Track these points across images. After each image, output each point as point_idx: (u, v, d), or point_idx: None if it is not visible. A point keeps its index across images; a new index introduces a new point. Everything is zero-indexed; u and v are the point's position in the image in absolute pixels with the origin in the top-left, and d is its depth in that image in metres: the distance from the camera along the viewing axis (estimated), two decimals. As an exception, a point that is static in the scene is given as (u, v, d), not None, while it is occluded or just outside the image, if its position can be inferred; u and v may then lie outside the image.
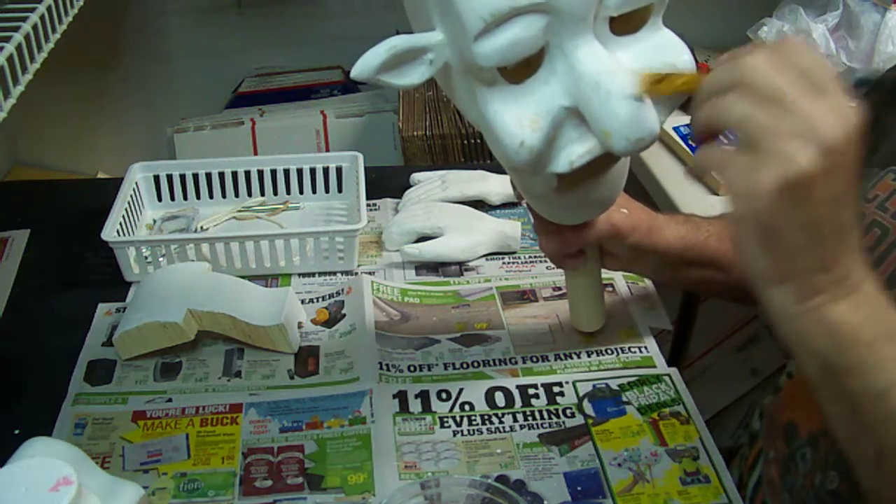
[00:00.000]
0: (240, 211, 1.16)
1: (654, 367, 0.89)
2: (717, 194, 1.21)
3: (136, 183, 1.12)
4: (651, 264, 0.86)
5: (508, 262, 1.06)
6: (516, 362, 0.89)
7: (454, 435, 0.80)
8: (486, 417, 0.82)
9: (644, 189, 1.32)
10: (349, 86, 1.72)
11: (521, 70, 0.60)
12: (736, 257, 0.55)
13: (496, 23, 0.56)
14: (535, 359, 0.90)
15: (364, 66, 0.58)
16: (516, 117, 0.60)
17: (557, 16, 0.57)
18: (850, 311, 0.52)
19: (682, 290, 1.40)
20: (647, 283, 1.02)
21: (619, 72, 0.59)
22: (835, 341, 0.53)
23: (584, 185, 0.68)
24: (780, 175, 0.49)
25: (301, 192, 1.18)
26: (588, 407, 0.83)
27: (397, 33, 0.60)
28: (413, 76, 0.60)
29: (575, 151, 0.62)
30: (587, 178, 0.67)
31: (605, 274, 1.01)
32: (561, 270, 0.89)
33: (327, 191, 1.18)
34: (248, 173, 1.17)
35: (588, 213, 0.76)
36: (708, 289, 0.92)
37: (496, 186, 1.15)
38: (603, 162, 0.64)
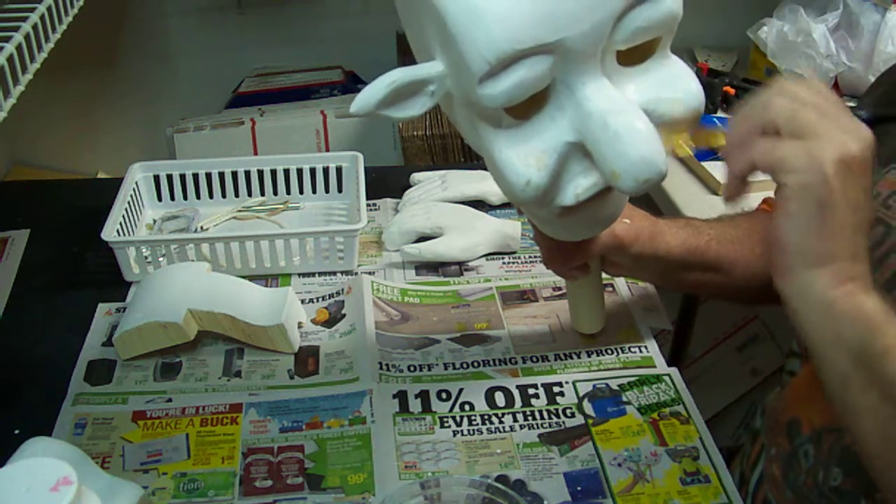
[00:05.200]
0: (240, 211, 1.16)
1: (654, 367, 0.89)
2: (716, 194, 1.21)
3: (136, 183, 1.12)
4: (653, 271, 0.86)
5: (508, 262, 1.06)
6: (516, 362, 0.89)
7: (454, 435, 0.80)
8: (486, 417, 0.82)
9: (651, 199, 1.32)
10: (349, 86, 1.72)
11: (526, 106, 0.59)
12: (772, 242, 0.59)
13: (501, 65, 0.55)
14: (535, 359, 0.90)
15: (364, 102, 0.58)
16: (522, 156, 0.60)
17: (564, 55, 0.56)
18: (877, 302, 0.57)
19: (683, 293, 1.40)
20: (648, 283, 1.02)
21: (628, 110, 0.58)
22: (869, 325, 0.56)
23: (587, 208, 0.66)
24: (838, 152, 0.55)
25: (301, 192, 1.18)
26: (588, 407, 0.83)
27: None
28: (414, 108, 0.60)
29: (581, 185, 0.62)
30: (591, 204, 0.66)
31: (605, 273, 1.01)
32: (561, 270, 0.89)
33: (327, 191, 1.18)
34: (248, 173, 1.17)
35: (592, 230, 0.75)
36: (709, 291, 0.93)
37: (496, 186, 1.14)
38: (608, 190, 0.64)
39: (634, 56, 0.60)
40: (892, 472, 0.56)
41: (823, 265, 0.57)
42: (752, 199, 0.99)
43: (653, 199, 1.29)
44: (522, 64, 0.55)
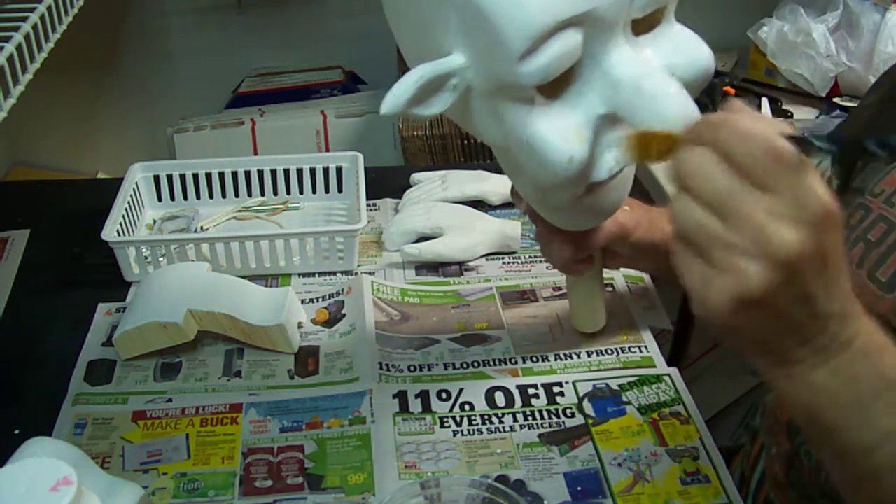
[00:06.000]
0: (240, 211, 1.16)
1: (654, 367, 0.89)
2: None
3: (136, 183, 1.12)
4: (652, 260, 0.86)
5: (508, 262, 1.06)
6: (516, 362, 0.89)
7: (454, 435, 0.80)
8: (486, 417, 0.82)
9: (644, 188, 1.32)
10: (349, 86, 1.73)
11: (553, 85, 0.59)
12: None
13: (541, 40, 0.55)
14: (535, 359, 0.90)
15: (394, 102, 0.57)
16: (561, 133, 0.59)
17: (592, 25, 0.56)
18: (829, 376, 0.51)
19: (683, 290, 1.40)
20: (648, 283, 1.02)
21: (656, 72, 0.58)
22: (816, 403, 0.52)
23: (600, 190, 0.67)
24: (732, 293, 0.47)
25: (301, 192, 1.18)
26: (588, 407, 0.83)
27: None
28: (438, 105, 0.60)
29: (613, 157, 0.62)
30: (605, 185, 0.66)
31: (606, 273, 1.01)
32: (561, 270, 0.89)
33: (327, 191, 1.18)
34: (248, 173, 1.17)
35: (600, 217, 0.75)
36: None
37: (496, 186, 1.15)
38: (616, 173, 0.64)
39: (644, 25, 0.61)
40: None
41: (758, 356, 0.53)
42: None
43: (651, 199, 1.29)
44: (558, 37, 0.55)
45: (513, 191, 0.79)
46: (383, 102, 0.58)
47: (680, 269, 0.50)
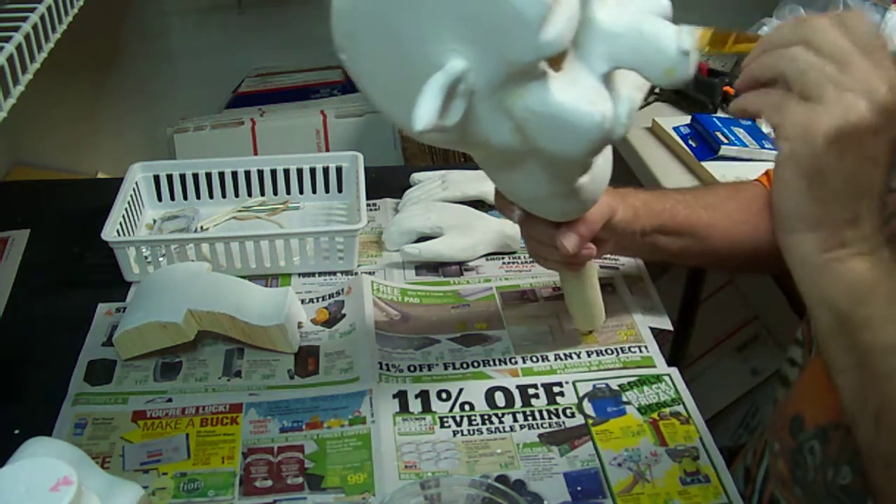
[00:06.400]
0: (240, 211, 1.16)
1: (654, 367, 0.89)
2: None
3: (136, 183, 1.12)
4: (632, 240, 0.87)
5: (508, 262, 1.06)
6: (516, 362, 0.89)
7: (454, 435, 0.80)
8: (486, 417, 0.82)
9: (642, 186, 1.32)
10: (349, 86, 1.73)
11: (555, 59, 0.60)
12: (772, 200, 0.58)
13: (555, 3, 0.56)
14: (535, 359, 0.90)
15: (426, 113, 0.57)
16: (584, 96, 0.60)
17: None
18: (871, 268, 0.55)
19: (682, 289, 1.40)
20: (647, 283, 1.03)
21: (644, 16, 0.60)
22: (852, 293, 0.55)
23: (596, 166, 0.71)
24: (838, 122, 0.52)
25: (301, 192, 1.18)
26: (588, 407, 0.83)
27: None
28: (456, 113, 0.60)
29: (624, 112, 0.63)
30: (597, 164, 0.71)
31: (606, 273, 1.01)
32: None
33: (327, 191, 1.18)
34: (248, 173, 1.17)
35: (595, 195, 0.77)
36: (690, 259, 0.93)
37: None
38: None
39: None
40: (861, 429, 0.58)
41: (811, 230, 0.56)
42: (752, 172, 1.00)
43: (641, 183, 1.29)
44: (561, 2, 0.56)
45: (500, 200, 0.80)
46: (416, 119, 0.57)
47: (776, 107, 0.55)
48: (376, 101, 0.66)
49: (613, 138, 0.64)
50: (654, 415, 0.82)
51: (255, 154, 1.59)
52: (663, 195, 0.89)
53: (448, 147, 0.74)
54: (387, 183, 1.21)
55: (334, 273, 1.04)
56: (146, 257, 1.01)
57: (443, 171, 1.19)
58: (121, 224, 1.03)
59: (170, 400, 0.84)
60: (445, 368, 0.89)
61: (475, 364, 0.89)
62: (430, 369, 0.88)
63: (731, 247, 0.88)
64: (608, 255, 1.06)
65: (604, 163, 0.74)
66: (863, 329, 0.55)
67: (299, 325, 0.94)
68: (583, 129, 0.61)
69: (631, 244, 0.87)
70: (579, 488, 0.75)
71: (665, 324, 0.97)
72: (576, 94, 0.60)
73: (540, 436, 0.80)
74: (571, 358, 0.90)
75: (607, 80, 0.62)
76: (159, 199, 1.16)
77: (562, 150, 0.63)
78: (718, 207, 0.88)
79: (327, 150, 1.62)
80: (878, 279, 0.55)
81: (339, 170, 1.17)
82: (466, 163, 1.50)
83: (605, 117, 0.61)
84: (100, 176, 1.63)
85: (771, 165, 0.86)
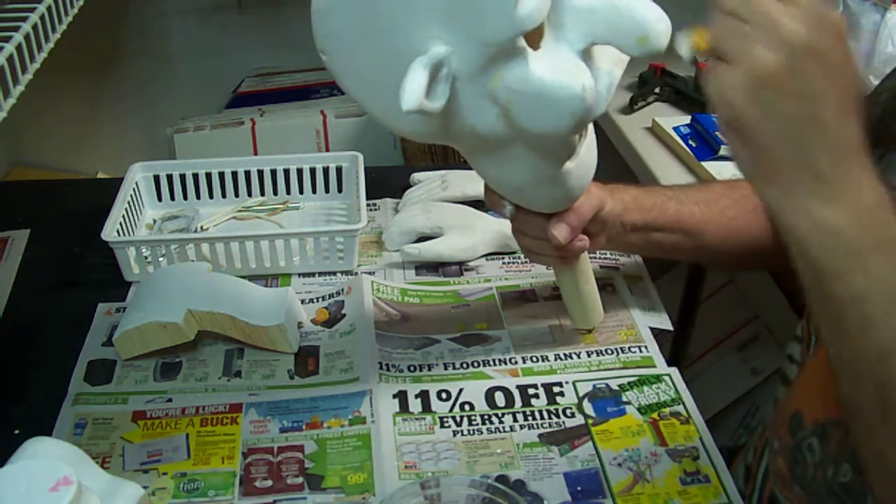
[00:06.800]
0: (240, 211, 1.16)
1: (654, 367, 0.89)
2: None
3: (136, 183, 1.12)
4: (621, 233, 0.87)
5: (508, 262, 1.06)
6: (516, 362, 0.89)
7: (454, 435, 0.80)
8: (486, 417, 0.82)
9: (633, 173, 1.33)
10: (349, 86, 1.72)
11: (531, 38, 0.61)
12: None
13: None
14: (535, 359, 0.90)
15: (412, 94, 0.58)
16: (565, 69, 0.61)
17: None
18: (837, 215, 0.53)
19: (682, 289, 1.40)
20: (647, 282, 1.03)
21: None
22: (821, 243, 0.54)
23: (582, 149, 0.72)
24: (744, 76, 0.52)
25: (301, 192, 1.18)
26: (588, 407, 0.83)
27: None
28: (441, 96, 0.61)
29: (604, 87, 0.64)
30: (585, 150, 0.73)
31: (606, 273, 1.01)
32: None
33: (327, 191, 1.18)
34: (248, 173, 1.17)
35: (584, 181, 0.77)
36: (683, 255, 0.94)
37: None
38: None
39: None
40: (841, 380, 0.57)
41: (769, 184, 0.55)
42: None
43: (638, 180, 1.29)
44: None
45: (490, 196, 0.80)
46: (403, 101, 0.58)
47: (704, 79, 0.55)
48: (360, 99, 0.67)
49: (596, 113, 0.65)
50: (654, 415, 0.82)
51: (255, 154, 1.59)
52: (654, 191, 0.89)
53: (435, 141, 0.74)
54: (387, 183, 1.21)
55: (334, 273, 1.04)
56: (146, 257, 1.01)
57: (443, 171, 1.19)
58: (121, 224, 1.03)
59: (170, 400, 0.84)
60: (445, 368, 0.89)
61: (475, 364, 0.89)
62: (430, 369, 0.88)
63: (724, 243, 0.88)
64: (608, 255, 1.06)
65: (588, 151, 0.75)
66: (831, 280, 0.54)
67: (299, 325, 0.94)
68: (564, 102, 0.62)
69: (622, 239, 0.88)
70: (579, 488, 0.75)
71: (665, 324, 0.97)
72: (556, 68, 0.61)
73: (540, 436, 0.80)
74: (571, 358, 0.90)
75: (585, 56, 0.63)
76: (159, 199, 1.16)
77: (545, 127, 0.64)
78: (711, 204, 0.88)
79: (327, 150, 1.62)
80: (846, 227, 0.53)
81: (339, 170, 1.17)
82: (466, 163, 1.50)
83: (585, 88, 0.62)
84: (100, 176, 1.62)
85: None
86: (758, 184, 0.56)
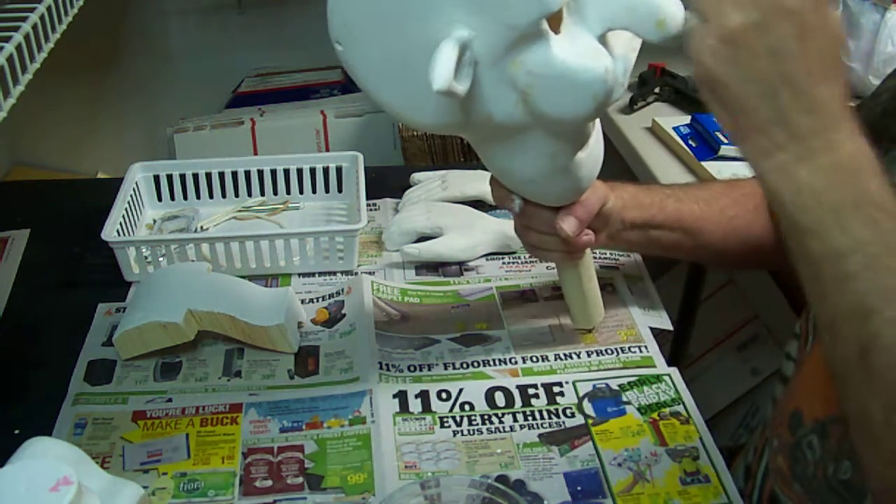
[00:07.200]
0: (240, 211, 1.16)
1: (654, 367, 0.89)
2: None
3: (136, 183, 1.13)
4: (621, 230, 0.87)
5: (508, 262, 1.06)
6: (516, 362, 0.89)
7: (454, 435, 0.80)
8: (486, 417, 0.82)
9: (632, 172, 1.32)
10: (349, 86, 1.72)
11: (552, 22, 0.62)
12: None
13: None
14: (535, 359, 0.90)
15: (442, 73, 0.58)
16: (587, 52, 0.62)
17: None
18: (814, 173, 0.54)
19: (682, 289, 1.40)
20: (647, 282, 1.03)
21: None
22: (798, 201, 0.55)
23: (591, 141, 0.73)
24: (715, 34, 0.54)
25: (301, 192, 1.18)
26: (588, 407, 0.83)
27: None
28: (467, 78, 0.61)
29: (621, 71, 0.65)
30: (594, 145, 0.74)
31: (606, 273, 1.01)
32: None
33: (327, 191, 1.18)
34: (248, 173, 1.17)
35: (592, 173, 0.78)
36: (683, 253, 0.94)
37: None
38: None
39: None
40: (824, 341, 0.57)
41: (745, 140, 0.56)
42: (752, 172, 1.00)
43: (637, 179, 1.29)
44: None
45: (498, 191, 0.80)
46: (434, 79, 0.58)
47: (687, 42, 0.56)
48: (375, 91, 0.66)
49: (614, 97, 0.65)
50: (654, 415, 0.82)
51: (255, 154, 1.59)
52: (653, 189, 0.90)
53: (453, 132, 0.74)
54: (387, 183, 1.21)
55: (334, 273, 1.04)
56: (146, 257, 1.01)
57: (443, 171, 1.19)
58: (121, 224, 1.03)
59: (170, 400, 0.84)
60: (445, 368, 0.89)
61: (475, 364, 0.89)
62: (430, 369, 0.88)
63: (724, 241, 0.88)
64: (608, 255, 1.06)
65: (597, 142, 0.75)
66: (810, 237, 0.55)
67: (299, 325, 0.94)
68: (587, 84, 0.62)
69: (622, 237, 0.88)
70: (579, 488, 0.75)
71: (665, 323, 0.97)
72: (578, 51, 0.62)
73: (540, 436, 0.80)
74: (571, 358, 0.90)
75: (601, 42, 0.63)
76: (159, 199, 1.16)
77: (566, 111, 0.64)
78: (711, 202, 0.88)
79: (327, 150, 1.62)
80: (824, 185, 0.54)
81: (339, 170, 1.17)
82: (466, 163, 1.50)
83: (608, 70, 0.62)
84: (100, 176, 1.63)
85: None
86: (737, 144, 0.57)
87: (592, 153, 0.75)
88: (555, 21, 0.62)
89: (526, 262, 1.06)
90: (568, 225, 0.80)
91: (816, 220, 0.54)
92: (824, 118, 0.55)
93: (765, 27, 0.53)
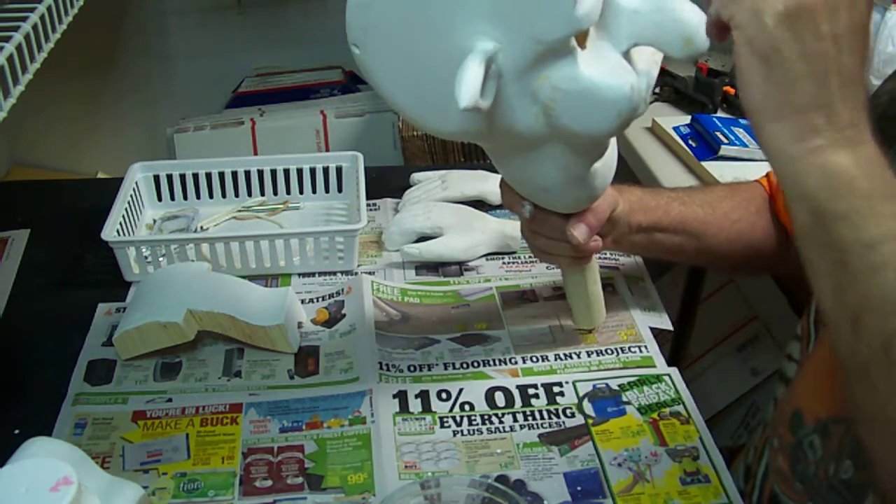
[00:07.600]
0: (240, 211, 1.16)
1: (654, 367, 0.89)
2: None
3: (136, 183, 1.13)
4: (626, 234, 0.87)
5: (508, 262, 1.06)
6: (516, 362, 0.89)
7: (454, 435, 0.80)
8: (486, 417, 0.82)
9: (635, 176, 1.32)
10: (349, 86, 1.72)
11: (580, 38, 0.62)
12: (741, 94, 0.57)
13: None
14: (535, 359, 0.90)
15: (471, 92, 0.57)
16: (612, 69, 0.62)
17: None
18: (849, 161, 0.53)
19: (682, 289, 1.40)
20: (648, 282, 1.03)
21: None
22: (830, 186, 0.54)
23: (607, 152, 0.73)
24: (783, 2, 0.52)
25: (301, 192, 1.18)
26: (588, 407, 0.83)
27: None
28: (490, 95, 0.61)
29: (645, 86, 0.65)
30: (608, 153, 0.74)
31: (606, 273, 1.01)
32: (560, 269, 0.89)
33: (327, 191, 1.18)
34: (248, 173, 1.17)
35: (606, 180, 0.78)
36: (686, 256, 0.94)
37: (496, 186, 1.14)
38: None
39: None
40: (841, 335, 0.56)
41: (781, 119, 0.54)
42: (752, 172, 1.00)
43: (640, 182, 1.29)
44: None
45: (509, 196, 0.80)
46: (460, 97, 0.57)
47: (726, 5, 0.55)
48: (391, 95, 0.65)
49: (638, 113, 0.65)
50: (654, 415, 0.82)
51: (255, 154, 1.59)
52: (658, 192, 0.90)
53: (475, 140, 0.74)
54: (387, 183, 1.21)
55: (334, 273, 1.04)
56: (146, 257, 1.01)
57: (443, 171, 1.19)
58: (121, 224, 1.03)
59: (170, 400, 0.84)
60: (445, 368, 0.89)
61: (475, 364, 0.89)
62: (430, 369, 0.88)
63: (727, 245, 0.88)
64: (608, 255, 1.06)
65: (611, 151, 0.75)
66: (840, 224, 0.53)
67: (299, 325, 0.94)
68: (613, 102, 0.62)
69: (627, 240, 0.88)
70: (579, 488, 0.75)
71: (665, 324, 0.97)
72: (604, 68, 0.62)
73: (540, 436, 0.80)
74: (571, 358, 0.90)
75: (625, 57, 0.63)
76: (159, 199, 1.16)
77: (590, 127, 0.64)
78: (714, 206, 0.88)
79: (327, 150, 1.61)
80: (858, 174, 0.53)
81: (339, 170, 1.17)
82: (466, 163, 1.50)
83: (633, 88, 0.62)
84: (100, 176, 1.63)
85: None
86: (768, 119, 0.55)
87: (607, 162, 0.75)
88: (581, 36, 0.62)
89: (526, 262, 1.06)
90: (579, 232, 0.80)
91: (850, 208, 0.53)
92: (861, 113, 0.54)
93: (836, 12, 0.52)
